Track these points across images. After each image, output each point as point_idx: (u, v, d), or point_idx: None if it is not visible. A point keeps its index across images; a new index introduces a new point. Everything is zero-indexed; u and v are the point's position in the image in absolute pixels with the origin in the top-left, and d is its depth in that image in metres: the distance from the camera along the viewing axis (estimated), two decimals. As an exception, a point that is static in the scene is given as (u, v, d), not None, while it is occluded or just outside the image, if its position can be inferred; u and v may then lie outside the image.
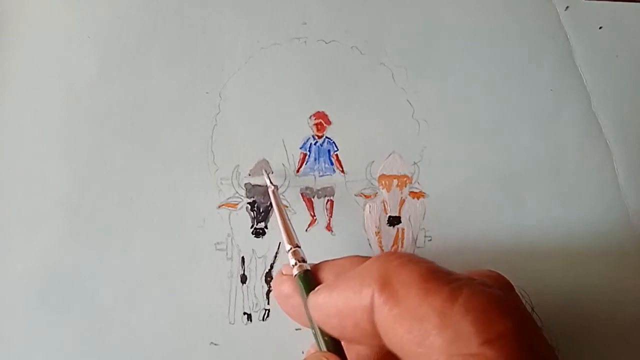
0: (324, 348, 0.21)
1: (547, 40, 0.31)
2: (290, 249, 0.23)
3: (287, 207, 0.29)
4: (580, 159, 0.30)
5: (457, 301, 0.17)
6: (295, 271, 0.22)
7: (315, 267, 0.23)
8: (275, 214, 0.26)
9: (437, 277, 0.18)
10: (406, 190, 0.29)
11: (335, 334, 0.20)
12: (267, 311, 0.28)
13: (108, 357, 0.27)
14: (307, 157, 0.29)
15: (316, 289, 0.21)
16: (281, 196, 0.29)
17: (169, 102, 0.29)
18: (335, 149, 0.30)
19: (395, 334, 0.17)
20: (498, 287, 0.19)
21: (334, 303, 0.20)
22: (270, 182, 0.28)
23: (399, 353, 0.18)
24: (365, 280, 0.18)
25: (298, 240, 0.24)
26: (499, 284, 0.21)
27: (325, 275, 0.22)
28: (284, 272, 0.24)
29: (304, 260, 0.23)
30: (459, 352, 0.16)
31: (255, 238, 0.28)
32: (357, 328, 0.19)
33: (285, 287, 0.23)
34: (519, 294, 0.21)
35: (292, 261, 0.23)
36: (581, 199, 0.30)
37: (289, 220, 0.25)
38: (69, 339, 0.27)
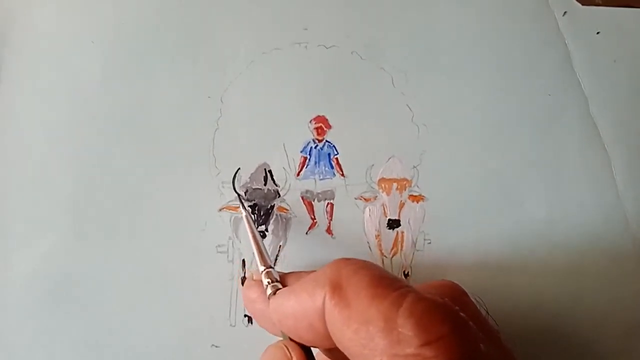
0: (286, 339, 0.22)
1: (546, 46, 0.31)
2: (264, 270, 0.24)
3: (287, 210, 0.29)
4: (579, 164, 0.30)
5: (401, 306, 0.18)
6: (268, 291, 0.23)
7: (284, 277, 0.24)
8: (248, 239, 0.26)
9: (386, 283, 0.19)
10: (406, 194, 0.30)
11: (292, 334, 0.21)
12: (267, 313, 0.28)
13: (110, 359, 0.27)
14: (307, 160, 0.30)
15: (276, 293, 0.23)
16: (282, 198, 0.29)
17: (172, 106, 0.29)
18: (336, 153, 0.30)
19: (344, 335, 0.18)
20: (451, 295, 0.21)
21: (291, 305, 0.21)
22: (243, 207, 0.28)
23: (346, 352, 0.19)
24: (319, 283, 0.20)
25: (271, 261, 0.25)
26: (453, 292, 0.22)
27: (290, 284, 0.23)
28: (255, 278, 0.25)
29: (277, 280, 0.24)
30: (401, 353, 0.17)
31: (256, 241, 0.28)
32: (311, 329, 0.20)
33: (252, 292, 0.24)
34: (474, 300, 0.22)
35: (265, 281, 0.24)
36: (580, 203, 0.30)
37: (262, 242, 0.26)
38: (71, 340, 0.27)
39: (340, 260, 0.20)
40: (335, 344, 0.19)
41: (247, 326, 0.28)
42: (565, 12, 0.32)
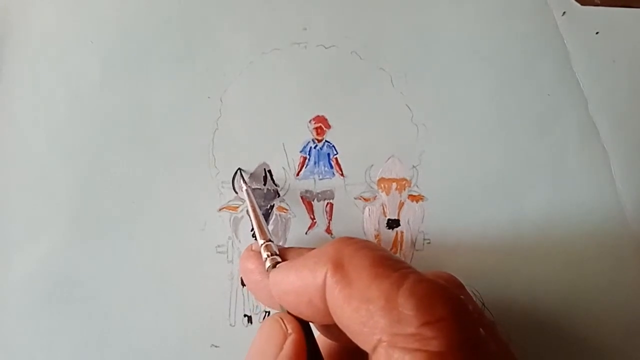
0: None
1: (545, 46, 0.31)
2: (263, 243, 0.24)
3: (287, 210, 0.29)
4: (578, 163, 0.30)
5: (402, 286, 0.18)
6: (267, 264, 0.23)
7: (283, 252, 0.24)
8: (249, 212, 0.27)
9: (388, 263, 0.19)
10: (405, 194, 0.30)
11: (291, 309, 0.21)
12: (267, 313, 0.28)
13: (110, 359, 0.27)
14: (307, 160, 0.30)
15: (277, 266, 0.23)
16: (282, 198, 0.29)
17: (171, 106, 0.30)
18: (335, 153, 0.30)
19: (344, 313, 0.18)
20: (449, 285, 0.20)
21: (291, 280, 0.21)
22: (244, 181, 0.28)
23: (346, 330, 0.19)
24: (321, 260, 0.20)
25: (271, 235, 0.25)
26: (451, 283, 0.22)
27: (290, 258, 0.23)
28: (254, 248, 0.25)
29: (276, 254, 0.24)
30: (400, 332, 0.17)
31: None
32: (310, 305, 0.20)
33: (250, 263, 0.25)
34: (471, 292, 0.22)
35: (265, 254, 0.24)
36: (579, 203, 0.30)
37: (262, 216, 0.26)
38: (71, 341, 0.27)
39: (342, 239, 0.20)
40: (334, 321, 0.19)
41: (246, 326, 0.28)
42: (564, 12, 0.32)
